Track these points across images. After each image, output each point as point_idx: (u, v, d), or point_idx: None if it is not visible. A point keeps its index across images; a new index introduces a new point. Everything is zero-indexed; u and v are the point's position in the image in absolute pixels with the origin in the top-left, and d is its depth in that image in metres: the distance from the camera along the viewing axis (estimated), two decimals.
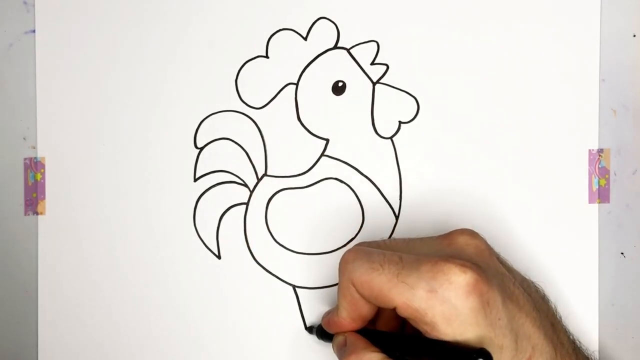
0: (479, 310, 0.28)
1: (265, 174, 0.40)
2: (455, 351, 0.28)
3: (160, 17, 0.41)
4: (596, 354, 0.38)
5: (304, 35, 0.40)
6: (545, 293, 0.33)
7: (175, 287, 0.40)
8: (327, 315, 0.35)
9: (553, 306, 0.33)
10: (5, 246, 0.42)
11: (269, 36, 0.40)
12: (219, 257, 0.40)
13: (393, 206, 0.40)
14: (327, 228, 0.40)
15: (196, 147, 0.41)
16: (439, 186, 0.39)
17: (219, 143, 0.41)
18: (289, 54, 0.40)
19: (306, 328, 0.39)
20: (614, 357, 0.39)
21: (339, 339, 0.34)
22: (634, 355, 0.39)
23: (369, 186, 0.40)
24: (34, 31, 0.42)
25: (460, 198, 0.39)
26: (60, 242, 0.41)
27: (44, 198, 0.41)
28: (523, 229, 0.39)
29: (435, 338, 0.29)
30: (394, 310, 0.30)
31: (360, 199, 0.40)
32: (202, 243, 0.40)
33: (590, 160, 0.39)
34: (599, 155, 0.39)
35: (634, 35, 0.39)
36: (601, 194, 0.39)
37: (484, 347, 0.28)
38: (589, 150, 0.39)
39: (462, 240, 0.32)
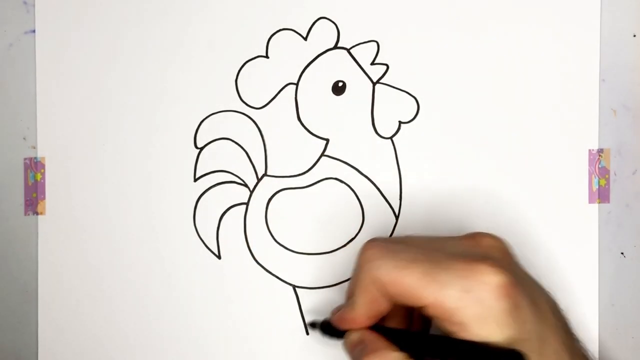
0: (510, 312, 0.28)
1: (265, 174, 0.40)
2: (487, 352, 0.28)
3: (160, 17, 0.41)
4: (596, 354, 0.38)
5: (304, 35, 0.40)
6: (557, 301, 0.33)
7: (175, 287, 0.40)
8: (339, 311, 0.34)
9: (565, 314, 0.33)
10: (5, 246, 0.42)
11: (269, 36, 0.40)
12: (219, 257, 0.40)
13: (393, 206, 0.40)
14: (327, 228, 0.40)
15: (196, 147, 0.41)
16: (439, 186, 0.39)
17: (219, 143, 0.41)
18: (289, 54, 0.40)
19: (308, 324, 0.39)
20: (614, 357, 0.39)
21: (354, 337, 0.33)
22: (634, 355, 0.39)
23: (369, 186, 0.40)
24: (34, 31, 0.42)
25: (460, 198, 0.39)
26: (60, 242, 0.41)
27: (44, 198, 0.41)
28: (523, 228, 0.39)
29: (464, 339, 0.28)
30: (405, 307, 0.30)
31: (360, 199, 0.40)
32: (202, 243, 0.41)
33: (590, 160, 0.39)
34: (599, 155, 0.39)
35: (634, 35, 0.39)
36: (601, 194, 0.39)
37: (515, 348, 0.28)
38: (589, 150, 0.39)
39: (487, 242, 0.32)
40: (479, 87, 0.39)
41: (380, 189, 0.40)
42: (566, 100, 0.39)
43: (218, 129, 0.41)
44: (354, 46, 0.40)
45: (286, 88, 0.40)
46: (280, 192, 0.40)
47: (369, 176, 0.40)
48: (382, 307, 0.32)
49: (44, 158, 0.42)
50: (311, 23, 0.40)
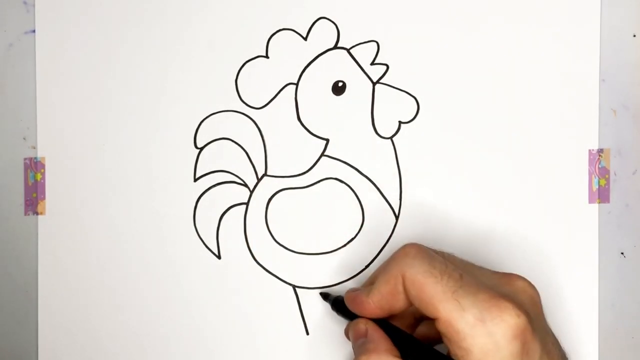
0: (518, 356, 0.28)
1: (265, 174, 0.40)
2: None
3: (160, 17, 0.41)
4: (596, 354, 0.38)
5: (304, 35, 0.40)
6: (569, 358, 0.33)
7: (175, 287, 0.40)
8: (355, 292, 0.34)
9: None
10: (5, 246, 0.42)
11: (269, 36, 0.40)
12: (219, 257, 0.40)
13: (393, 206, 0.40)
14: (327, 228, 0.40)
15: (196, 147, 0.41)
16: (439, 186, 0.39)
17: (219, 143, 0.41)
18: (289, 54, 0.40)
19: (321, 294, 0.39)
20: (614, 357, 0.39)
21: (360, 326, 0.33)
22: (634, 355, 0.39)
23: (369, 186, 0.40)
24: (34, 31, 0.42)
25: (460, 198, 0.39)
26: (60, 242, 0.41)
27: (44, 198, 0.41)
28: (523, 228, 0.39)
29: None
30: (415, 317, 0.30)
31: (360, 199, 0.40)
32: (202, 243, 0.41)
33: (590, 160, 0.39)
34: (599, 155, 0.39)
35: (634, 35, 0.39)
36: (601, 194, 0.39)
37: None
38: (589, 150, 0.39)
39: (520, 285, 0.32)
40: (479, 87, 0.39)
41: (380, 189, 0.40)
42: (566, 100, 0.39)
43: (218, 129, 0.41)
44: (354, 46, 0.40)
45: (286, 88, 0.40)
46: (280, 192, 0.40)
47: (369, 176, 0.40)
48: (398, 303, 0.32)
49: (44, 158, 0.42)
50: (311, 23, 0.40)
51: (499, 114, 0.39)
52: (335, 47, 0.40)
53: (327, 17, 0.40)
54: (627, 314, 0.39)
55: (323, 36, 0.40)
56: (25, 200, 0.42)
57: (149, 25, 0.41)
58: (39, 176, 0.42)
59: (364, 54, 0.40)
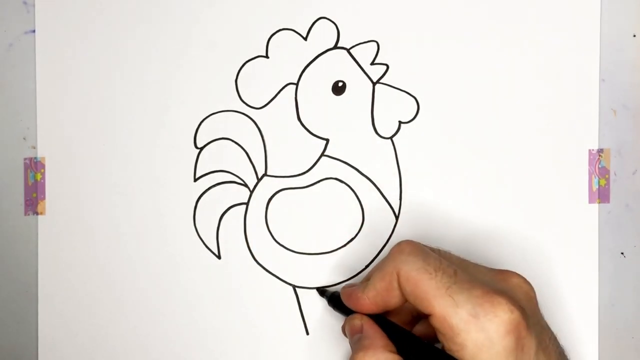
0: (512, 351, 0.28)
1: (265, 174, 0.40)
2: None
3: (160, 17, 0.41)
4: (596, 354, 0.38)
5: (304, 35, 0.40)
6: (569, 357, 0.33)
7: (175, 287, 0.40)
8: (350, 288, 0.34)
9: None
10: (5, 246, 0.42)
11: (269, 36, 0.40)
12: (219, 257, 0.40)
13: (393, 206, 0.40)
14: (327, 228, 0.40)
15: (196, 147, 0.41)
16: (439, 186, 0.39)
17: (219, 143, 0.41)
18: (289, 54, 0.40)
19: (318, 290, 0.39)
20: (614, 357, 0.39)
21: (356, 322, 0.33)
22: (634, 355, 0.39)
23: (369, 186, 0.40)
24: (34, 31, 0.42)
25: (460, 198, 0.39)
26: (60, 242, 0.41)
27: (44, 198, 0.41)
28: (523, 228, 0.39)
29: (459, 359, 0.29)
30: (411, 314, 0.30)
31: (360, 199, 0.40)
32: (202, 243, 0.41)
33: (590, 160, 0.39)
34: (599, 155, 0.39)
35: (634, 35, 0.39)
36: (601, 194, 0.39)
37: None
38: (589, 150, 0.39)
39: (515, 281, 0.32)
40: (478, 87, 0.39)
41: (380, 189, 0.40)
42: (566, 100, 0.39)
43: (218, 129, 0.41)
44: (354, 46, 0.40)
45: (286, 88, 0.40)
46: (280, 192, 0.40)
47: (369, 176, 0.40)
48: (393, 300, 0.32)
49: (44, 158, 0.42)
50: (311, 23, 0.40)
51: (499, 113, 0.39)
52: (335, 47, 0.40)
53: (327, 17, 0.40)
54: (627, 314, 0.39)
55: (323, 36, 0.40)
56: (25, 200, 0.42)
57: (149, 26, 0.41)
58: (39, 176, 0.42)
59: (364, 54, 0.40)
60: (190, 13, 0.41)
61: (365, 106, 0.40)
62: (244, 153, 0.41)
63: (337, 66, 0.40)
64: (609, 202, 0.39)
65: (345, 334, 0.35)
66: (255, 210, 0.40)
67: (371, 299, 0.33)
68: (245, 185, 0.40)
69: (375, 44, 0.40)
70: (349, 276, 0.40)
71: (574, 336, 0.38)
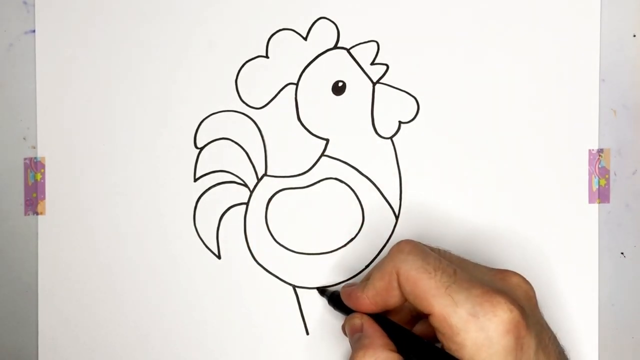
0: (511, 351, 0.28)
1: (265, 174, 0.40)
2: None
3: (160, 17, 0.41)
4: (596, 354, 0.38)
5: (304, 35, 0.40)
6: (568, 357, 0.33)
7: (175, 287, 0.40)
8: (350, 287, 0.35)
9: None
10: (5, 246, 0.42)
11: (269, 36, 0.40)
12: (219, 257, 0.40)
13: (393, 206, 0.40)
14: (327, 228, 0.40)
15: (196, 147, 0.41)
16: (439, 186, 0.39)
17: (219, 143, 0.41)
18: (289, 54, 0.40)
19: (318, 290, 0.39)
20: (614, 357, 0.39)
21: (355, 321, 0.33)
22: (634, 355, 0.39)
23: (369, 186, 0.40)
24: (34, 31, 0.42)
25: (460, 198, 0.39)
26: (60, 242, 0.41)
27: (44, 198, 0.41)
28: (523, 228, 0.39)
29: (458, 358, 0.29)
30: (411, 313, 0.30)
31: (360, 199, 0.40)
32: (202, 243, 0.41)
33: (590, 160, 0.39)
34: (599, 155, 0.39)
35: (634, 35, 0.39)
36: (601, 194, 0.39)
37: None
38: (589, 150, 0.39)
39: (515, 281, 0.32)
40: (479, 87, 0.39)
41: (380, 189, 0.40)
42: (566, 100, 0.39)
43: (218, 129, 0.41)
44: (354, 46, 0.40)
45: (286, 88, 0.40)
46: (280, 192, 0.40)
47: (369, 176, 0.40)
48: (392, 299, 0.32)
49: (44, 158, 0.42)
50: (311, 23, 0.40)
51: (499, 113, 0.39)
52: (335, 47, 0.40)
53: (327, 17, 0.40)
54: (627, 314, 0.39)
55: (323, 36, 0.40)
56: (25, 200, 0.42)
57: (149, 26, 0.41)
58: (39, 176, 0.42)
59: (364, 54, 0.40)
60: (191, 13, 0.41)
61: (365, 106, 0.40)
62: (244, 153, 0.41)
63: (337, 66, 0.40)
64: (609, 202, 0.39)
65: (345, 334, 0.35)
66: (255, 210, 0.40)
67: (371, 299, 0.33)
68: (245, 185, 0.40)
69: (375, 44, 0.40)
70: (349, 276, 0.40)
71: (574, 336, 0.38)
